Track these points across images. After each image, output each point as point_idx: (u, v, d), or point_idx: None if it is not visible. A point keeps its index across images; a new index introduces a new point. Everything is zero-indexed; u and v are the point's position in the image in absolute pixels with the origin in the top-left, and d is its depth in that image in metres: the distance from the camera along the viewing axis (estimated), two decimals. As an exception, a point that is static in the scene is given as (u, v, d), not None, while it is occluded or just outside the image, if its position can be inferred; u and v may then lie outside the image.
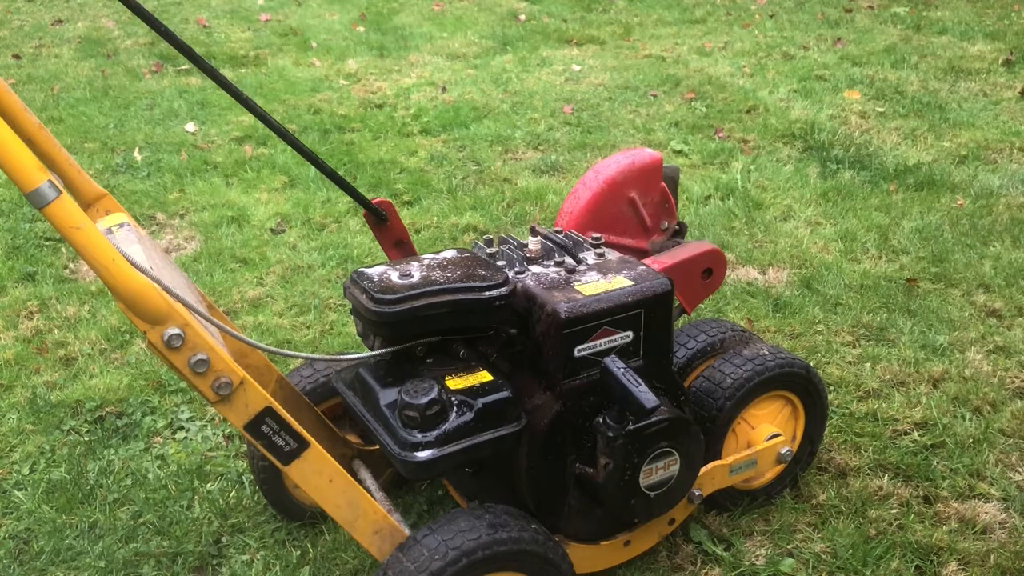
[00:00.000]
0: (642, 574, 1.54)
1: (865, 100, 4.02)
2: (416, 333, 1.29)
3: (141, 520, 1.69)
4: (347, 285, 1.31)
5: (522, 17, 5.79)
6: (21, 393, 2.07)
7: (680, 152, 3.52)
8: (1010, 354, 2.14)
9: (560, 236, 1.45)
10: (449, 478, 1.58)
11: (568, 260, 1.38)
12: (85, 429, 1.95)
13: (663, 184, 1.59)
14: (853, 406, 1.96)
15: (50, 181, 0.91)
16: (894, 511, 1.67)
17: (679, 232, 1.66)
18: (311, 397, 1.55)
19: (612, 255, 1.42)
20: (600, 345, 1.28)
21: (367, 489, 1.34)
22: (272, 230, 2.89)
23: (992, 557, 1.56)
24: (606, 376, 1.28)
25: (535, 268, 1.37)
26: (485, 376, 1.27)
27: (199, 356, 1.06)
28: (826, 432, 1.78)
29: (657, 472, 1.33)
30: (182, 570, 1.58)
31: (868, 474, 1.76)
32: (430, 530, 1.20)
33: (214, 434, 1.92)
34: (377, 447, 1.53)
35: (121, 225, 1.24)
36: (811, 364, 1.70)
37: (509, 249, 1.45)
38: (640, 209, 1.56)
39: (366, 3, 6.18)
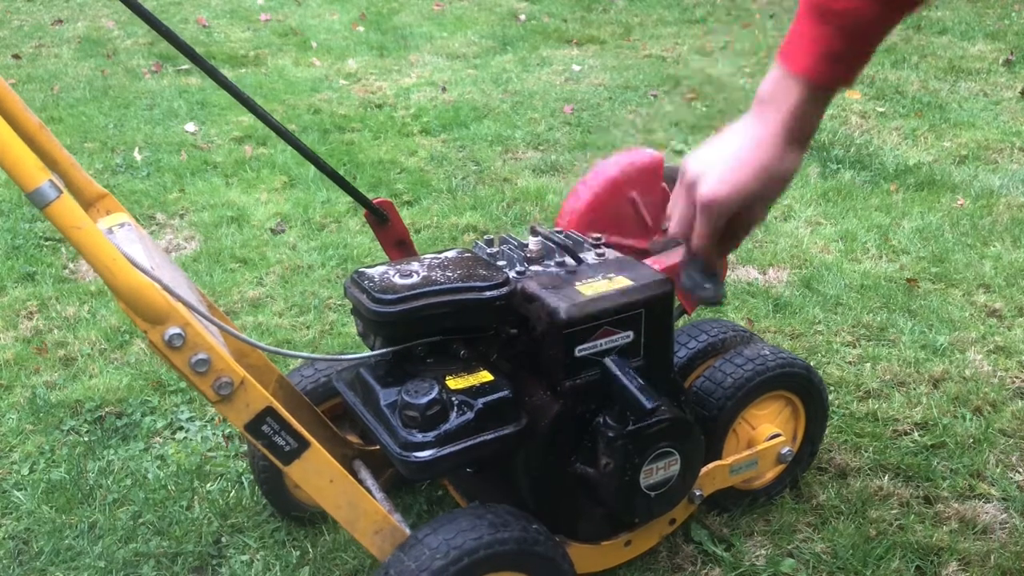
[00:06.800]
0: (642, 574, 1.54)
1: (865, 100, 4.02)
2: (416, 333, 1.28)
3: (141, 520, 1.69)
4: (347, 285, 1.31)
5: (522, 17, 5.79)
6: (21, 393, 2.07)
7: (680, 152, 3.52)
8: (1010, 354, 2.14)
9: (560, 236, 1.45)
10: (449, 478, 1.58)
11: (568, 260, 1.38)
12: (85, 429, 1.95)
13: (664, 184, 1.59)
14: (853, 406, 1.96)
15: (51, 181, 0.91)
16: (894, 511, 1.67)
17: (680, 232, 1.65)
18: (311, 397, 1.55)
19: (612, 255, 1.42)
20: (601, 345, 1.28)
21: (367, 489, 1.34)
22: (272, 230, 2.89)
23: (992, 557, 1.56)
24: (607, 376, 1.28)
25: (535, 268, 1.37)
26: (486, 376, 1.26)
27: (200, 356, 1.06)
28: (826, 432, 1.78)
29: (658, 472, 1.33)
30: (182, 570, 1.58)
31: (868, 474, 1.76)
32: (431, 529, 1.20)
33: (214, 434, 1.92)
34: (377, 447, 1.53)
35: (122, 225, 1.24)
36: (811, 364, 1.70)
37: (509, 249, 1.44)
38: (641, 209, 1.56)
39: (366, 3, 6.18)
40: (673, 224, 1.14)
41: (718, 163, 1.05)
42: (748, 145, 1.03)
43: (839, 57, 0.94)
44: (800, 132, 1.01)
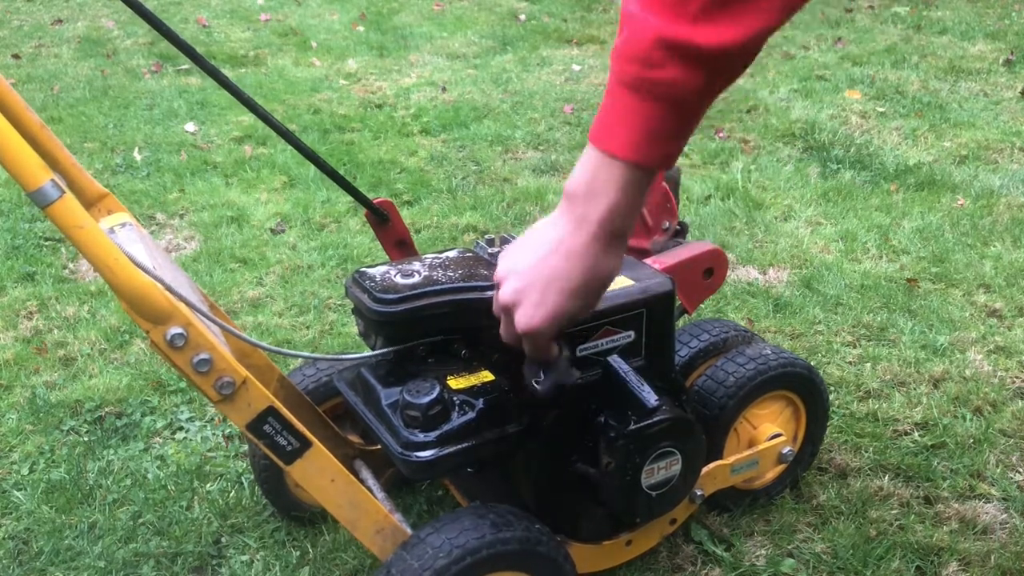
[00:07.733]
0: (642, 574, 1.54)
1: (865, 100, 4.02)
2: (418, 333, 1.28)
3: (141, 520, 1.69)
4: (348, 284, 1.31)
5: (522, 17, 5.79)
6: (21, 393, 2.07)
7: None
8: (1010, 354, 2.14)
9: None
10: (450, 478, 1.58)
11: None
12: (85, 429, 1.95)
13: (664, 184, 1.59)
14: (853, 406, 1.96)
15: (53, 180, 0.91)
16: (895, 511, 1.67)
17: (680, 232, 1.66)
18: (313, 397, 1.55)
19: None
20: (602, 345, 1.28)
21: (369, 489, 1.34)
22: (272, 230, 2.89)
23: (993, 557, 1.56)
24: (608, 375, 1.28)
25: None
26: (487, 376, 1.26)
27: (201, 356, 1.06)
28: (827, 432, 1.78)
29: (659, 472, 1.33)
30: (182, 570, 1.58)
31: (868, 474, 1.76)
32: (434, 528, 1.20)
33: (214, 434, 1.92)
34: (379, 447, 1.53)
35: (123, 225, 1.24)
36: (812, 364, 1.70)
37: (511, 249, 1.44)
38: (641, 209, 1.56)
39: (366, 3, 6.18)
40: (502, 334, 1.07)
41: (531, 286, 0.96)
42: (561, 261, 0.93)
43: (668, 134, 0.85)
44: (621, 229, 0.92)
